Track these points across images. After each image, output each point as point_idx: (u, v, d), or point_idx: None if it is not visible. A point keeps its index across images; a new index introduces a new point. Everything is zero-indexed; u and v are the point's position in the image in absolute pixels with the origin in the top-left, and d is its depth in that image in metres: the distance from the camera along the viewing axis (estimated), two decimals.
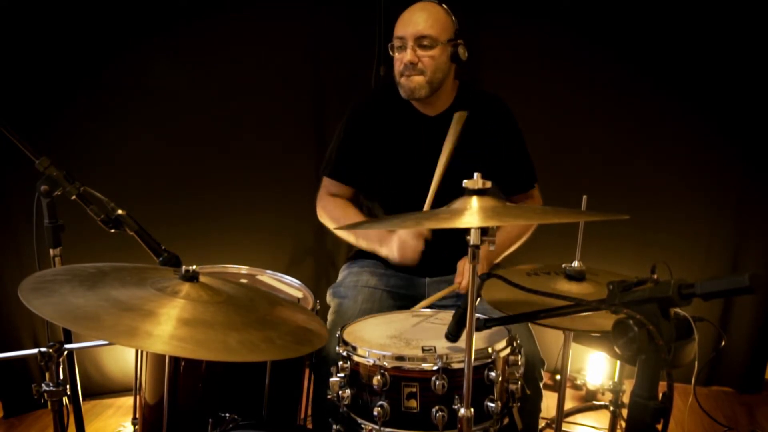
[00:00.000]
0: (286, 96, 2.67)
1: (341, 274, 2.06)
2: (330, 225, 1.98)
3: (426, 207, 1.73)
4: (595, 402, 2.65)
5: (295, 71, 2.66)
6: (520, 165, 2.00)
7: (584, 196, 1.51)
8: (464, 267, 1.78)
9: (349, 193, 2.02)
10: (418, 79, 1.81)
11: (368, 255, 1.97)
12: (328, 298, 1.95)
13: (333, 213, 1.97)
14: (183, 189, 2.64)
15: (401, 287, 1.94)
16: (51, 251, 1.56)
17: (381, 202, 2.00)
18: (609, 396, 2.40)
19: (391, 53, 1.87)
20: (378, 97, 2.01)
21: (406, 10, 1.84)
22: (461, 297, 1.78)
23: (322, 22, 2.63)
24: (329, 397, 1.42)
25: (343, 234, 2.03)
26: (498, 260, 1.98)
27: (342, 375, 1.40)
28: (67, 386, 1.41)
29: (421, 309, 1.74)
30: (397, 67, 1.84)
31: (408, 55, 1.79)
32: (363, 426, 1.38)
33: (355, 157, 1.96)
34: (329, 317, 1.85)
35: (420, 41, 1.79)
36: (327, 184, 2.03)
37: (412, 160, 1.91)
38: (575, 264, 1.56)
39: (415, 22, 1.79)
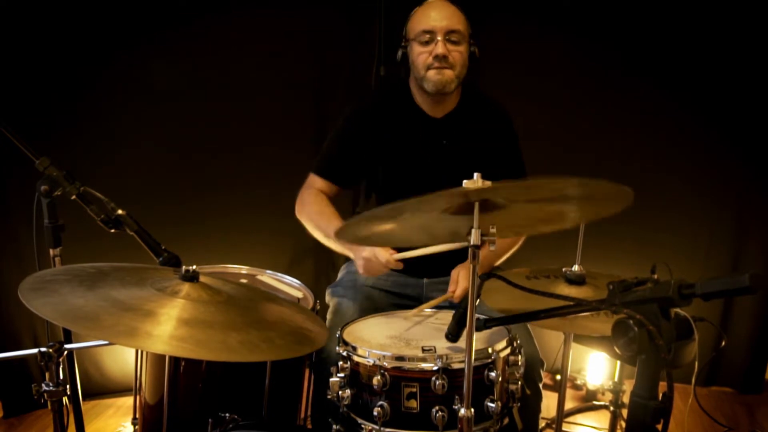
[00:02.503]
0: (286, 96, 2.66)
1: (340, 273, 2.07)
2: (304, 220, 1.95)
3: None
4: (595, 402, 2.65)
5: (295, 71, 2.65)
6: (513, 173, 1.97)
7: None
8: (458, 275, 1.76)
9: (334, 191, 1.99)
10: (449, 73, 1.80)
11: None
12: (327, 298, 1.95)
13: (311, 209, 1.93)
14: (183, 189, 2.64)
15: (399, 286, 1.94)
16: (51, 251, 1.56)
17: (380, 200, 1.99)
18: (609, 396, 2.40)
19: (407, 49, 1.85)
20: (380, 98, 2.00)
21: (425, 5, 1.84)
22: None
23: (322, 22, 2.63)
24: (329, 397, 1.42)
25: (310, 229, 1.98)
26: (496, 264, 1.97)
27: (342, 375, 1.40)
28: (67, 386, 1.40)
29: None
30: (424, 60, 1.81)
31: (440, 48, 1.77)
32: (363, 426, 1.38)
33: (348, 157, 1.95)
34: (328, 317, 1.85)
35: (450, 36, 1.78)
36: (313, 180, 1.99)
37: (415, 160, 1.91)
38: (575, 268, 1.54)
39: (443, 16, 1.79)
